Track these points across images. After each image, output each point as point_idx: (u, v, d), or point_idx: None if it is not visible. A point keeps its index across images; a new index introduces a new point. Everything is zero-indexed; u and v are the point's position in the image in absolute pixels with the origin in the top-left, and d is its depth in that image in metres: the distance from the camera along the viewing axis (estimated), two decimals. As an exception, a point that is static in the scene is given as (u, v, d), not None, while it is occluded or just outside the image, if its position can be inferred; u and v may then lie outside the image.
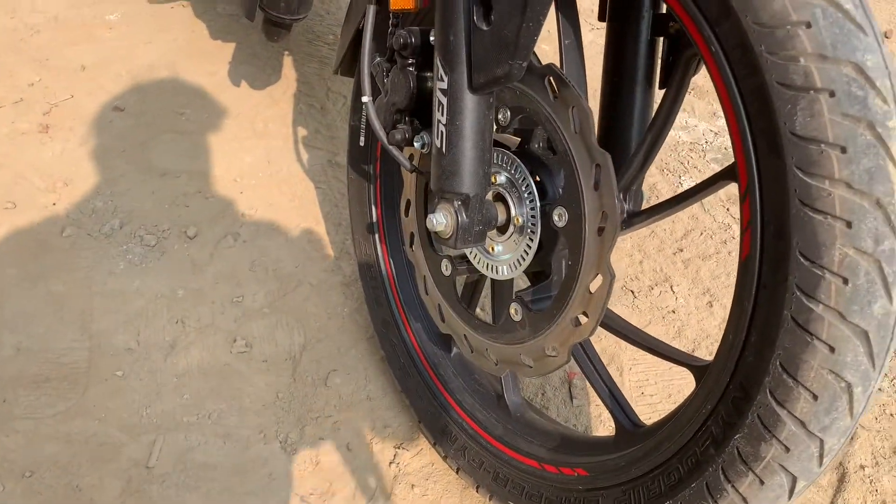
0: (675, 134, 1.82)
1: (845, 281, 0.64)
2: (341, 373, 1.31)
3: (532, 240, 0.89)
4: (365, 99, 0.99)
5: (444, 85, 0.84)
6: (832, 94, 0.63)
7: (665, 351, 0.93)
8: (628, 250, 1.55)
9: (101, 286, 1.42)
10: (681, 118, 1.87)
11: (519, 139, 0.91)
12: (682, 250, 1.55)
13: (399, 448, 1.21)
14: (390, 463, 1.20)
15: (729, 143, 1.78)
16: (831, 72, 0.63)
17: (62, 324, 1.35)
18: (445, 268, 1.02)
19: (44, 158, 1.67)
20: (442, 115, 0.85)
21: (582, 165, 0.82)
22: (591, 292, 0.84)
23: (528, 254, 0.90)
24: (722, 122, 1.85)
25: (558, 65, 0.85)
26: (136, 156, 1.70)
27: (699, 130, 1.85)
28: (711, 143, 1.81)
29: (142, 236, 1.51)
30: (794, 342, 0.68)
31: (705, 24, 0.69)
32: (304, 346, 1.35)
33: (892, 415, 1.30)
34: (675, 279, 1.49)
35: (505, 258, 0.94)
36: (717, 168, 1.74)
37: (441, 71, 0.84)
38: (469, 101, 0.84)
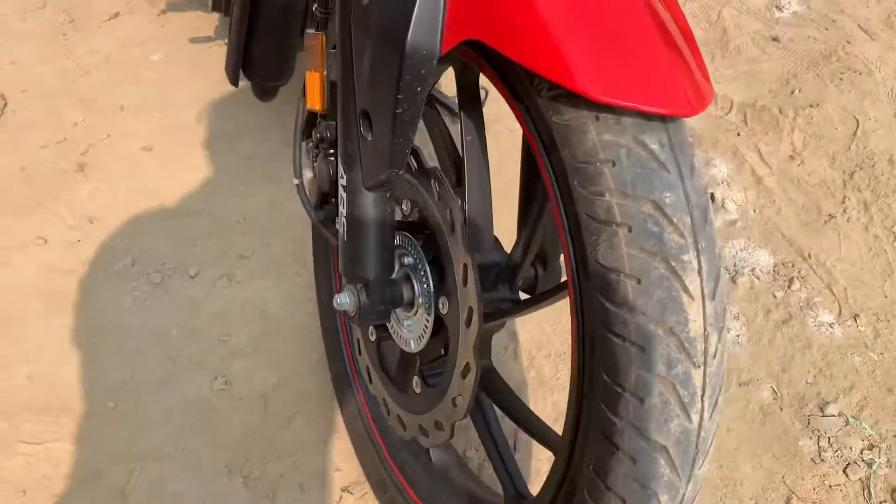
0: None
1: (641, 400, 0.68)
2: (303, 415, 1.40)
3: (428, 321, 0.95)
4: (295, 181, 1.08)
5: (344, 182, 0.92)
6: (630, 230, 0.66)
7: (528, 424, 0.98)
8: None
9: (109, 321, 1.55)
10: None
11: (422, 228, 0.97)
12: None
13: (345, 491, 1.29)
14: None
15: (717, 194, 1.78)
16: (630, 208, 0.66)
17: (69, 356, 1.49)
18: (371, 333, 1.09)
19: (76, 197, 1.82)
20: (343, 207, 0.93)
21: (456, 262, 0.87)
22: (462, 378, 0.89)
23: (426, 333, 0.96)
24: (714, 171, 1.84)
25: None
26: (156, 195, 1.83)
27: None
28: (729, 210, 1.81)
29: (149, 274, 1.64)
30: (603, 451, 0.72)
31: (543, 151, 0.73)
32: (276, 386, 1.45)
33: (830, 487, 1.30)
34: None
35: (411, 333, 1.00)
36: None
37: (341, 169, 0.91)
38: (365, 197, 0.91)
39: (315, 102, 0.99)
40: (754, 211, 1.75)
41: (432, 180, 0.90)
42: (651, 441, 0.69)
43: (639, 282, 0.67)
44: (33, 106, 2.07)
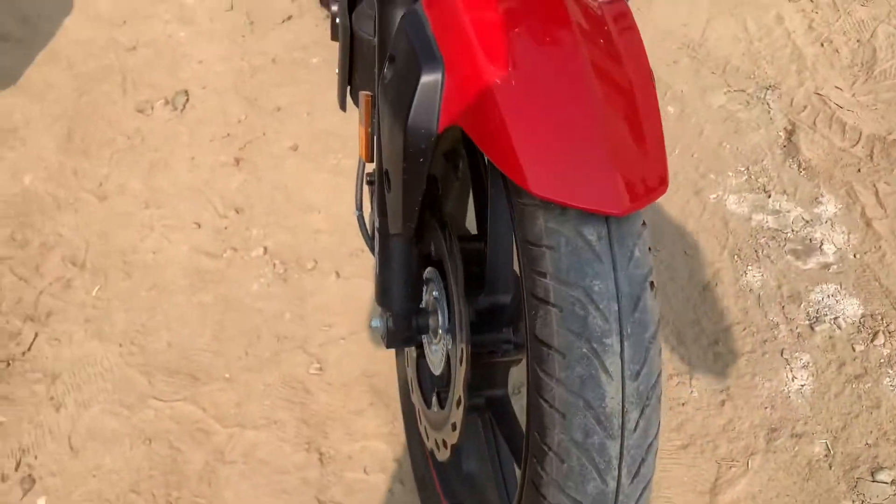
0: (761, 217, 1.78)
1: (562, 461, 0.78)
2: (376, 406, 1.58)
3: (444, 350, 1.08)
4: (356, 213, 1.24)
5: (377, 224, 1.06)
6: (561, 311, 0.75)
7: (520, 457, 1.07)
8: (666, 334, 1.61)
9: (238, 302, 1.82)
10: (775, 199, 1.82)
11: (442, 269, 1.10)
12: (718, 343, 1.57)
13: (397, 481, 1.47)
14: None
15: (815, 235, 1.72)
16: (563, 292, 0.75)
17: (202, 330, 1.77)
18: (415, 349, 1.24)
19: (229, 187, 2.10)
20: (376, 245, 1.08)
21: (457, 310, 0.99)
22: (456, 407, 1.02)
23: (443, 360, 1.09)
24: (820, 209, 1.77)
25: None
26: (295, 191, 2.07)
27: (789, 217, 1.79)
28: (798, 232, 1.75)
29: (275, 263, 1.88)
30: (532, 500, 0.82)
31: (513, 228, 0.83)
32: (358, 377, 1.64)
33: None
34: (698, 372, 1.53)
35: (435, 357, 1.13)
36: (791, 260, 1.69)
37: (376, 213, 1.06)
38: (391, 240, 1.05)
39: (363, 153, 1.14)
40: (854, 256, 1.68)
41: (444, 229, 1.02)
42: (570, 498, 0.79)
43: (564, 357, 0.75)
44: (209, 102, 2.38)
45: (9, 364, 1.70)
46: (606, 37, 0.82)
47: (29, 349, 1.74)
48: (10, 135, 2.26)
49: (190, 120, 2.33)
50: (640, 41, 0.85)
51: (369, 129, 1.12)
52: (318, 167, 2.14)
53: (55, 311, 1.81)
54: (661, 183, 0.77)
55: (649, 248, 0.80)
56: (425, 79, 0.83)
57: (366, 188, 1.25)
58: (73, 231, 2.00)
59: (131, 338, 1.75)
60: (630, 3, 0.90)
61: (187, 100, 2.40)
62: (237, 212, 2.03)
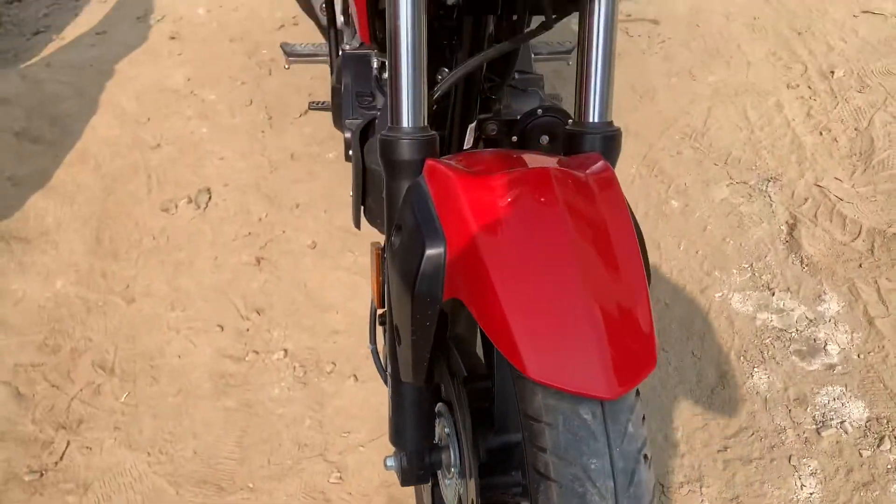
0: (765, 316, 1.82)
1: None
2: (394, 519, 1.62)
3: (455, 489, 1.12)
4: (369, 346, 1.30)
5: (389, 370, 1.12)
6: (560, 486, 0.80)
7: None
8: (676, 440, 1.65)
9: (260, 407, 1.87)
10: (779, 297, 1.87)
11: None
12: (727, 448, 1.61)
13: None
14: None
15: (819, 334, 1.76)
16: (562, 468, 0.79)
17: (226, 436, 1.82)
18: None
19: (251, 288, 2.17)
20: (389, 389, 1.13)
21: (466, 456, 1.04)
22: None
23: (455, 499, 1.14)
24: (823, 307, 1.81)
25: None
26: (314, 289, 2.14)
27: (793, 316, 1.83)
28: (802, 332, 1.79)
29: (294, 367, 1.94)
30: None
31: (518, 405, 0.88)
32: (377, 486, 1.68)
33: None
34: (708, 479, 1.56)
35: (450, 493, 1.18)
36: (797, 361, 1.73)
37: (388, 358, 1.12)
38: (404, 386, 1.11)
39: (376, 300, 1.20)
40: (858, 356, 1.72)
41: (453, 378, 1.08)
42: None
43: None
44: (231, 199, 2.47)
45: (42, 475, 1.76)
46: (594, 210, 0.87)
47: (61, 458, 1.80)
48: (43, 238, 2.35)
49: (213, 218, 2.42)
50: (627, 211, 0.90)
51: (380, 278, 1.19)
52: (335, 265, 2.20)
53: (86, 418, 1.88)
54: (650, 362, 0.81)
55: (643, 418, 0.84)
56: (429, 252, 0.89)
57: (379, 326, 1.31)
58: (103, 335, 2.07)
59: (159, 446, 1.80)
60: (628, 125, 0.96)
61: (210, 197, 2.49)
62: (258, 313, 2.10)
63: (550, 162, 1.05)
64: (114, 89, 2.91)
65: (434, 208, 0.92)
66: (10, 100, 2.78)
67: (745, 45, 2.71)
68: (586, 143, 1.12)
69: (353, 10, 1.32)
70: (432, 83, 1.55)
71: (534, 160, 1.10)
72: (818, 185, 2.15)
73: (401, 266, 0.95)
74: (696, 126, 2.45)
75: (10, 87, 2.85)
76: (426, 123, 1.08)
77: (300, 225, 2.34)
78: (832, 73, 2.49)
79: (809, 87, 2.48)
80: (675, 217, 2.17)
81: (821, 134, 2.32)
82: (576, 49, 1.16)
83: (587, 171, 0.96)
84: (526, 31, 1.37)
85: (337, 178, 2.49)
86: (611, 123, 1.14)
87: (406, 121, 1.06)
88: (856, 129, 2.27)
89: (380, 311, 1.27)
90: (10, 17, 3.95)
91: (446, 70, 1.54)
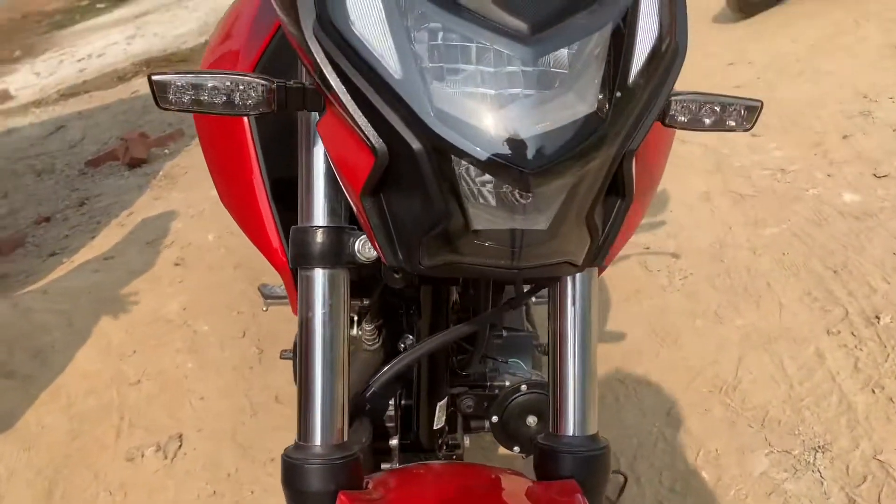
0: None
1: None
2: None
3: None
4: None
5: None
6: None
7: None
8: None
9: None
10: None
11: None
12: None
13: None
14: None
15: None
16: None
17: None
18: None
19: (203, 566, 1.84)
20: None
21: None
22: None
23: None
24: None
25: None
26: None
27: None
28: None
29: None
30: None
31: None
32: None
33: None
34: None
35: None
36: None
37: None
38: None
39: None
40: None
41: None
42: None
43: None
44: (202, 449, 2.19)
45: None
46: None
47: None
48: (-14, 493, 2.08)
49: (179, 471, 2.13)
50: None
51: None
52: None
53: None
54: None
55: None
56: None
57: None
58: None
59: None
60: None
61: (180, 445, 2.21)
62: None
63: (504, 495, 0.81)
64: (105, 319, 2.76)
65: None
66: (-7, 331, 2.63)
67: (776, 284, 2.46)
68: (561, 464, 0.86)
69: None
70: (394, 353, 1.31)
71: (485, 491, 0.85)
72: (878, 459, 1.79)
73: None
74: (726, 378, 2.15)
75: (-4, 317, 2.71)
76: (344, 439, 0.84)
77: (270, 485, 2.03)
78: (878, 318, 2.21)
79: (853, 335, 2.19)
80: (707, 492, 1.81)
81: (873, 392, 1.99)
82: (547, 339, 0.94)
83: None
84: (495, 307, 1.14)
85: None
86: (595, 437, 0.90)
87: (317, 437, 0.83)
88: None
89: None
90: (35, 238, 3.97)
91: (410, 338, 1.31)
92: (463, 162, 0.65)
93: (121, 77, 6.88)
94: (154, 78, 0.69)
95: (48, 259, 3.59)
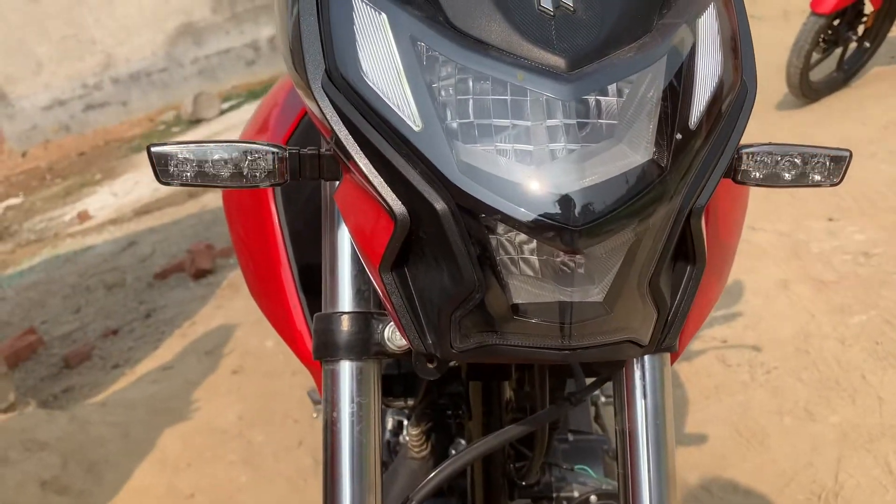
0: None
1: None
2: None
3: None
4: None
5: None
6: None
7: None
8: None
9: None
10: None
11: None
12: None
13: None
14: None
15: None
16: None
17: None
18: None
19: None
20: None
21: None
22: None
23: None
24: None
25: None
26: None
27: None
28: None
29: None
30: None
31: None
32: None
33: None
34: None
35: None
36: None
37: None
38: None
39: None
40: None
41: None
42: None
43: None
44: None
45: None
46: None
47: None
48: None
49: None
50: None
51: None
52: None
53: None
54: None
55: None
56: None
57: None
58: None
59: None
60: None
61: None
62: None
63: None
64: (161, 431, 2.71)
65: None
66: (50, 444, 2.59)
67: (871, 376, 2.24)
68: None
69: None
70: (443, 456, 1.19)
71: None
72: None
73: None
74: (824, 483, 1.92)
75: (54, 430, 2.69)
76: None
77: None
78: None
79: (968, 430, 1.95)
80: None
81: None
82: (615, 435, 0.82)
83: None
84: (551, 405, 1.02)
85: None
86: None
87: None
88: None
89: None
90: (102, 351, 4.02)
91: (462, 443, 1.19)
92: (495, 222, 0.56)
93: (191, 194, 7.15)
94: (153, 150, 0.63)
95: (112, 371, 3.60)
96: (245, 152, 0.65)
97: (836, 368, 2.33)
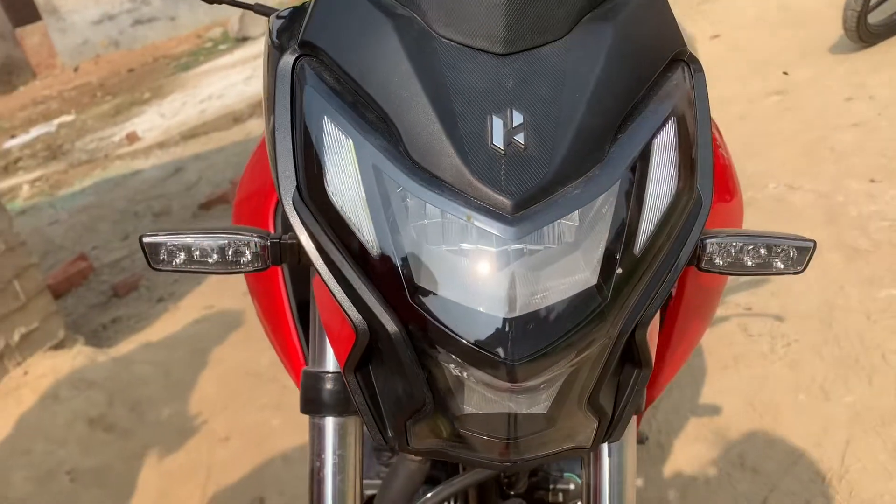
0: None
1: None
2: None
3: None
4: None
5: None
6: None
7: None
8: None
9: None
10: None
11: None
12: None
13: None
14: None
15: None
16: None
17: None
18: None
19: None
20: None
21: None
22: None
23: None
24: None
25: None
26: None
27: None
28: None
29: None
30: None
31: None
32: None
33: None
34: None
35: None
36: None
37: None
38: None
39: None
40: None
41: None
42: None
43: None
44: (281, 513, 2.21)
45: None
46: None
47: None
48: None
49: (255, 541, 2.15)
50: None
51: None
52: None
53: None
54: None
55: None
56: None
57: None
58: None
59: None
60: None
61: (260, 510, 2.24)
62: None
63: None
64: (199, 373, 2.85)
65: None
66: (97, 383, 2.76)
67: (892, 356, 2.23)
68: None
69: None
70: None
71: None
72: None
73: None
74: (830, 464, 1.95)
75: (100, 369, 2.85)
76: None
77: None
78: None
79: (983, 419, 1.94)
80: None
81: None
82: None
83: None
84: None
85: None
86: None
87: None
88: None
89: None
90: (148, 282, 4.17)
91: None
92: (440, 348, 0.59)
93: (236, 119, 7.21)
94: (145, 240, 0.67)
95: (157, 304, 3.76)
96: (229, 242, 0.68)
97: (858, 345, 2.32)
